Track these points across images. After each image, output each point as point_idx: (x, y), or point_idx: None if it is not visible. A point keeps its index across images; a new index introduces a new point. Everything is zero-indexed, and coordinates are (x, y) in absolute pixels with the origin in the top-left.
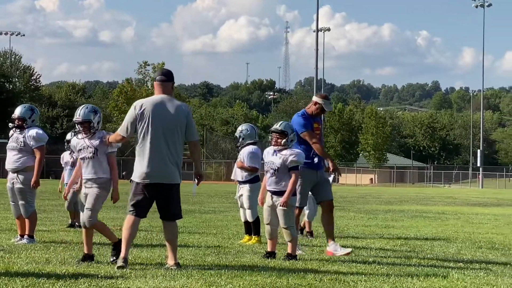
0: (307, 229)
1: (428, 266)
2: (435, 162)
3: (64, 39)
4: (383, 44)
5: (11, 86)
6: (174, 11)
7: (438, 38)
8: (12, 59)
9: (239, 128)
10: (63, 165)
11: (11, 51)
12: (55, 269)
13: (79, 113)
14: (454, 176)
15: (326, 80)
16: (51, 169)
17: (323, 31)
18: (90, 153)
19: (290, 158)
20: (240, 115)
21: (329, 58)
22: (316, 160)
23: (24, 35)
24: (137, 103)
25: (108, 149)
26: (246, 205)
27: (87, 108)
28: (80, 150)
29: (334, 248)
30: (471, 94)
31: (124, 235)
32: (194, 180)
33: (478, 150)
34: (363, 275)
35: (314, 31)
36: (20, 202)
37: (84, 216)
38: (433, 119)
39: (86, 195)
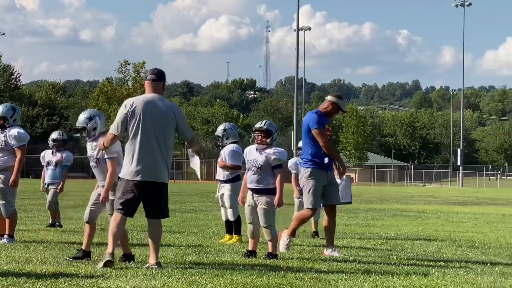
0: (313, 229)
1: (408, 265)
2: (416, 161)
3: (45, 38)
4: (364, 43)
5: None
6: (154, 10)
7: (418, 37)
8: None
9: (222, 127)
10: (43, 164)
11: None
12: (35, 269)
13: (78, 119)
14: (434, 175)
15: (306, 79)
16: (32, 169)
17: (303, 30)
18: (94, 162)
19: (273, 156)
20: (220, 114)
21: (310, 57)
22: (326, 160)
23: (4, 34)
24: (128, 101)
25: (106, 155)
26: (227, 204)
27: (85, 114)
28: (89, 157)
29: (331, 253)
30: (451, 93)
31: (111, 232)
32: (193, 156)
33: (458, 149)
34: (344, 274)
35: (294, 30)
36: (0, 202)
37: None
38: (413, 118)
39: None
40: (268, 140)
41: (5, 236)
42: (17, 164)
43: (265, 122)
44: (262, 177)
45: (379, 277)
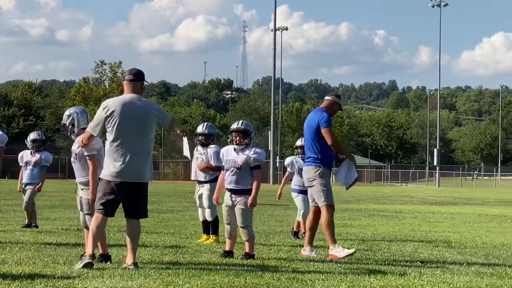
0: (301, 229)
1: (385, 265)
2: (392, 161)
3: (21, 38)
4: (341, 43)
5: None
6: (131, 9)
7: (395, 37)
8: None
9: (205, 127)
10: (21, 164)
11: None
12: (11, 270)
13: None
14: (411, 175)
15: (284, 79)
16: (8, 169)
17: (280, 30)
18: (73, 158)
19: (253, 157)
20: (198, 114)
21: (287, 57)
22: (330, 160)
23: None
24: (106, 103)
25: (86, 152)
26: (206, 204)
27: (66, 111)
28: (72, 151)
29: (309, 252)
30: (427, 93)
31: (91, 232)
32: (183, 136)
33: (435, 149)
34: (321, 274)
35: (271, 30)
36: None
37: (86, 220)
38: (390, 118)
39: (81, 197)
40: (246, 140)
41: None
42: None
43: (242, 122)
44: (241, 177)
45: (356, 277)
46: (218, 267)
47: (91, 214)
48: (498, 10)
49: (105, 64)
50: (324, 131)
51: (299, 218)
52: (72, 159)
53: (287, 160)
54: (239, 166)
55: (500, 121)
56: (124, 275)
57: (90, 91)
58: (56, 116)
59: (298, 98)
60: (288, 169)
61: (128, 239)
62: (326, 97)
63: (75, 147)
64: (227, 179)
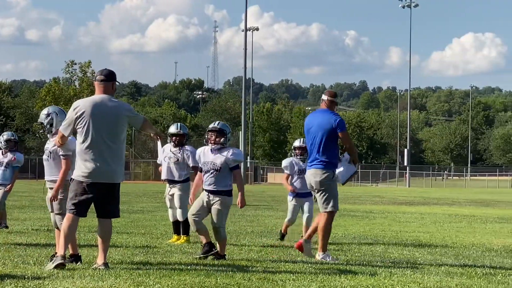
0: (283, 230)
1: (355, 265)
2: (363, 161)
3: None
4: (311, 43)
5: None
6: (102, 9)
7: (365, 38)
8: None
9: (179, 127)
10: None
11: None
12: None
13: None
14: (382, 175)
15: (254, 80)
16: None
17: (251, 30)
18: (47, 155)
19: (231, 158)
20: (168, 114)
21: (258, 58)
22: (337, 161)
23: None
24: (76, 103)
25: (61, 151)
26: (177, 204)
27: (44, 111)
28: (45, 149)
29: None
30: (398, 93)
31: (63, 233)
32: (157, 140)
33: (405, 149)
34: (292, 274)
35: (242, 31)
36: None
37: (56, 220)
38: (360, 119)
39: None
40: (222, 140)
41: None
42: None
43: (219, 123)
44: (220, 178)
45: (327, 277)
46: (189, 267)
47: (61, 214)
48: (468, 11)
49: (75, 64)
50: (342, 135)
51: (286, 220)
52: (44, 157)
53: (285, 162)
54: (218, 168)
55: (470, 122)
56: (94, 275)
57: (60, 91)
58: (26, 116)
59: (269, 98)
60: (287, 171)
61: (99, 239)
62: (328, 98)
63: (50, 145)
64: (206, 180)
